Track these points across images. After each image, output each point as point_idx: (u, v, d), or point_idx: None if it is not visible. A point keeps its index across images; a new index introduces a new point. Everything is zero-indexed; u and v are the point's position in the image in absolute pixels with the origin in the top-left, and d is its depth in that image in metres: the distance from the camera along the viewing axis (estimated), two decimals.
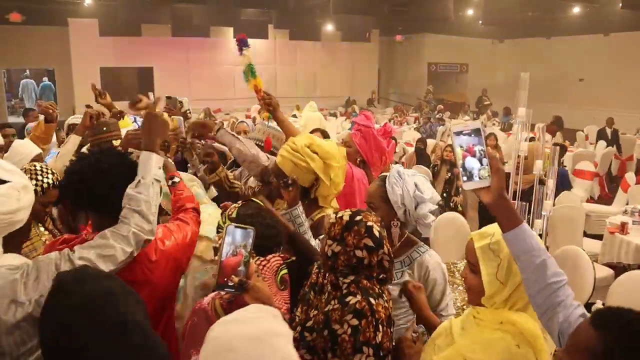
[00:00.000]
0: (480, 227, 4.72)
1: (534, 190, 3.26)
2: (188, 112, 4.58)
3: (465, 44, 20.94)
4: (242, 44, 3.04)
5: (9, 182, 1.57)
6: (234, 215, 1.97)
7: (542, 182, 3.59)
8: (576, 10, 14.89)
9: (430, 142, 9.89)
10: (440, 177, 7.18)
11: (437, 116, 13.67)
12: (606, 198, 8.88)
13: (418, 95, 20.64)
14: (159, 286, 1.89)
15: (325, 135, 4.65)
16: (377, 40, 21.11)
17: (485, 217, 4.78)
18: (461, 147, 1.44)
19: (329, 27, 17.78)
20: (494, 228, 1.59)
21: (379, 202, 2.18)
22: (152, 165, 1.78)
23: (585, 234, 5.91)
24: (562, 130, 11.70)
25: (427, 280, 2.15)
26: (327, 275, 1.74)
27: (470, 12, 15.94)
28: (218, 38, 17.78)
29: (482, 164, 1.42)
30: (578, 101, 17.70)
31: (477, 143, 1.43)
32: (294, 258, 1.95)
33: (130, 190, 1.71)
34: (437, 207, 2.17)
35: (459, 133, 1.44)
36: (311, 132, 4.78)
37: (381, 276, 1.71)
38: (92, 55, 16.57)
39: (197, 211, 2.24)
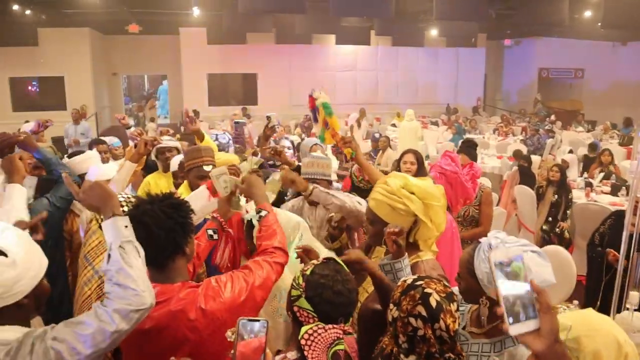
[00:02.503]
0: (589, 262, 4.15)
1: None
2: (277, 126, 4.57)
3: (581, 48, 19.46)
4: (314, 117, 2.92)
5: (4, 254, 1.46)
6: (308, 272, 1.80)
7: None
8: None
9: (536, 160, 9.17)
10: (546, 200, 6.59)
11: (547, 127, 12.69)
12: None
13: (528, 103, 19.50)
14: (201, 346, 1.76)
15: (418, 156, 4.39)
16: (483, 44, 20.22)
17: (595, 250, 4.26)
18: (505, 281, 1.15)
19: (433, 32, 17.28)
20: (572, 318, 1.30)
21: (464, 274, 1.88)
22: (117, 231, 1.61)
23: None
24: None
25: None
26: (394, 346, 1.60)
27: (588, 13, 14.76)
28: (320, 45, 17.96)
29: (527, 301, 1.13)
30: None
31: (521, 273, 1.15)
32: (352, 332, 1.76)
33: (104, 266, 1.59)
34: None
35: (500, 264, 1.16)
36: (404, 154, 4.57)
37: (447, 355, 1.53)
38: (201, 62, 17.43)
39: (281, 250, 2.08)
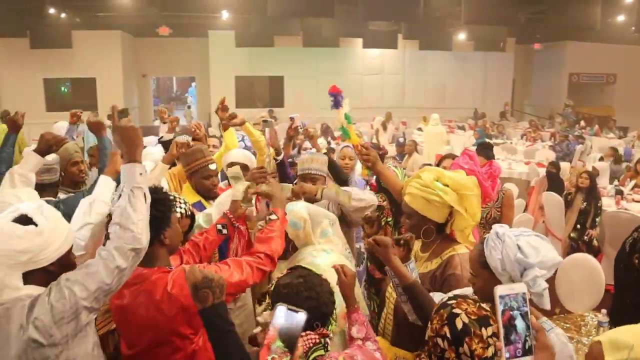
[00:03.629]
0: (617, 273, 4.08)
1: None
2: (300, 127, 4.61)
3: (613, 52, 19.09)
4: (336, 103, 2.89)
5: (35, 224, 1.66)
6: (272, 288, 1.84)
7: None
8: None
9: (565, 166, 9.00)
10: (574, 207, 6.50)
11: (576, 133, 12.46)
12: None
13: (557, 108, 19.17)
14: (164, 329, 1.89)
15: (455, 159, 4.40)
16: (512, 48, 19.97)
17: (625, 259, 4.17)
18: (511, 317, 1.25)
19: (461, 37, 17.14)
20: (633, 337, 1.29)
21: (478, 269, 1.89)
22: (132, 176, 1.78)
23: None
24: None
25: None
26: None
27: (620, 17, 14.49)
28: (347, 48, 18.00)
29: (525, 336, 1.23)
30: None
31: (522, 309, 1.25)
32: (330, 335, 1.75)
33: (110, 207, 1.79)
34: (547, 272, 1.81)
35: (503, 297, 1.26)
36: (443, 158, 4.58)
37: None
38: (229, 65, 17.62)
39: (270, 258, 2.14)
